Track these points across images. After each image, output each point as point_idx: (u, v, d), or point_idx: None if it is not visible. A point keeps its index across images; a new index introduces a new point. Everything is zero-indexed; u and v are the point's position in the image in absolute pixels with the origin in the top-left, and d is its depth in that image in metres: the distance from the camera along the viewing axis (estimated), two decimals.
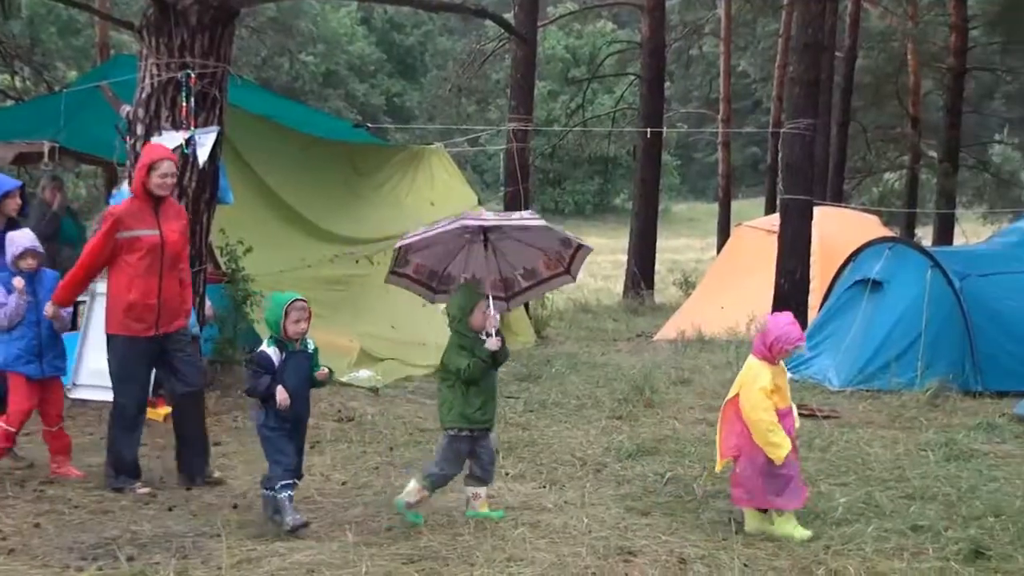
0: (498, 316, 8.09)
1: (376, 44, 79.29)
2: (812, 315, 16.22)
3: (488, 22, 30.49)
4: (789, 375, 14.18)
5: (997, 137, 46.94)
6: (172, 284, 8.88)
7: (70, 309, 9.44)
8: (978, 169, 37.50)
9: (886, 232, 21.02)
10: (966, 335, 13.91)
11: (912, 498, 8.70)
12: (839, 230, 19.20)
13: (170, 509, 8.22)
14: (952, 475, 9.45)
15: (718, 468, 8.11)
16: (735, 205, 38.20)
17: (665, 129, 30.89)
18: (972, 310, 13.99)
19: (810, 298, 16.94)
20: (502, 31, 24.69)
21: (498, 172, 49.65)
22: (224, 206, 12.56)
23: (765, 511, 7.80)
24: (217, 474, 9.06)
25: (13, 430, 8.89)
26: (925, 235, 36.40)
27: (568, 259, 8.50)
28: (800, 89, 17.32)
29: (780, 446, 7.56)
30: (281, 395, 7.65)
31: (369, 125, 20.55)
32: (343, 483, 9.06)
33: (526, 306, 19.11)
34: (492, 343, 7.87)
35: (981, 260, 15.12)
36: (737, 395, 7.83)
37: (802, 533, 7.57)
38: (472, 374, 7.85)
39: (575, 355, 16.55)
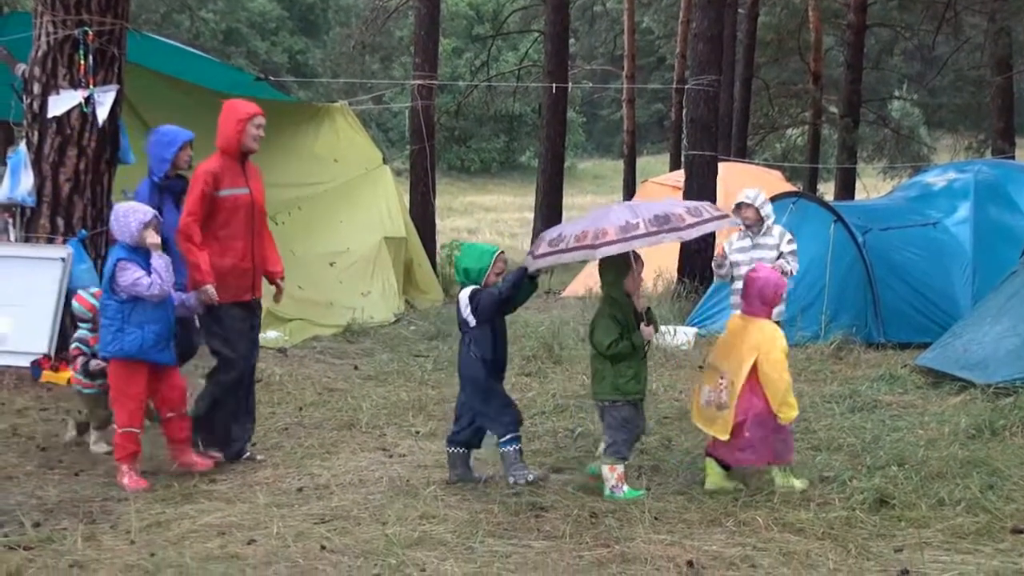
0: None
1: (277, 1, 78.21)
2: None
3: None
4: (696, 330, 14.38)
5: (896, 93, 47.53)
6: (261, 245, 8.70)
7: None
8: (878, 124, 37.97)
9: (789, 187, 21.23)
10: (869, 288, 14.12)
11: (818, 449, 8.85)
12: (743, 185, 19.24)
13: (76, 474, 8.12)
14: (857, 426, 9.61)
15: (727, 436, 7.87)
16: (640, 162, 38.37)
17: (570, 85, 30.87)
18: (874, 263, 14.21)
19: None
20: None
21: (403, 130, 49.38)
22: (125, 166, 12.35)
23: (728, 469, 7.90)
24: (260, 457, 8.74)
25: (137, 431, 8.03)
26: (827, 190, 36.84)
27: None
28: (703, 45, 17.39)
29: (794, 407, 7.71)
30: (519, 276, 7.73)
31: (271, 78, 20.29)
32: (252, 444, 8.99)
33: (433, 263, 19.07)
34: (647, 332, 7.77)
35: (883, 214, 15.34)
36: (754, 360, 7.76)
37: (801, 483, 7.75)
38: (617, 353, 7.72)
39: None
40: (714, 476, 7.88)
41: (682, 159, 18.96)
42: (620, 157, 40.18)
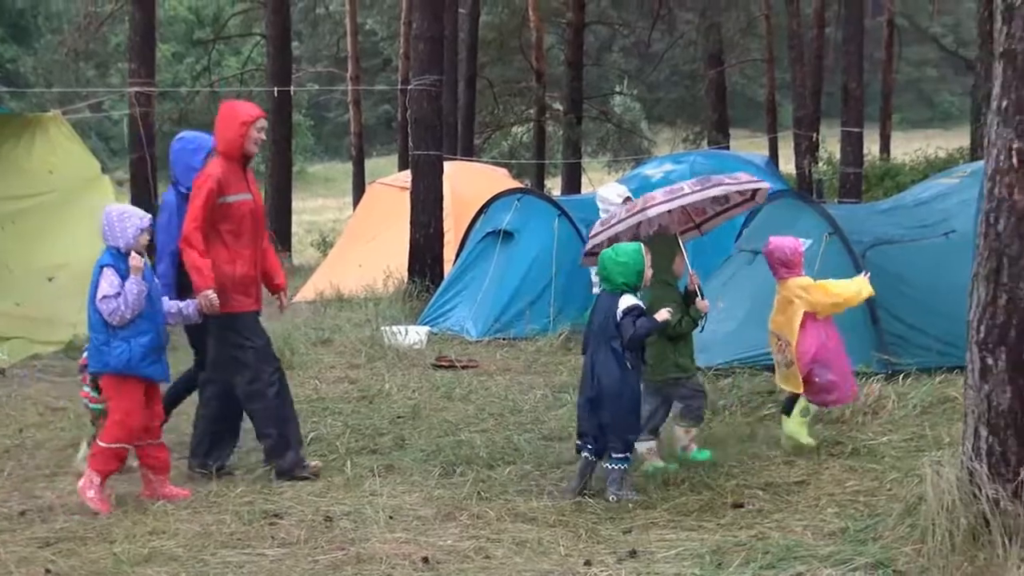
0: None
1: None
2: (448, 268, 16.48)
3: None
4: (428, 329, 14.43)
5: (617, 88, 48.85)
6: (262, 254, 8.37)
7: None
8: (601, 120, 39.00)
9: (516, 184, 21.54)
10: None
11: (549, 439, 9.04)
12: (470, 183, 19.52)
13: None
14: None
15: (800, 389, 8.25)
16: (370, 163, 38.34)
17: (293, 88, 30.61)
18: None
19: (445, 251, 17.19)
20: None
21: (124, 139, 48.10)
22: None
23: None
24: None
25: (127, 447, 7.61)
26: (554, 185, 37.58)
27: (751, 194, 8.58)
28: (424, 45, 17.47)
29: (861, 291, 8.29)
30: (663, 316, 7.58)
31: None
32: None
33: None
34: (703, 304, 8.05)
35: None
36: (803, 311, 8.20)
37: (809, 440, 8.23)
38: (683, 330, 7.96)
39: None
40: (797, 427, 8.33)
41: (409, 159, 18.98)
42: (349, 159, 40.08)
